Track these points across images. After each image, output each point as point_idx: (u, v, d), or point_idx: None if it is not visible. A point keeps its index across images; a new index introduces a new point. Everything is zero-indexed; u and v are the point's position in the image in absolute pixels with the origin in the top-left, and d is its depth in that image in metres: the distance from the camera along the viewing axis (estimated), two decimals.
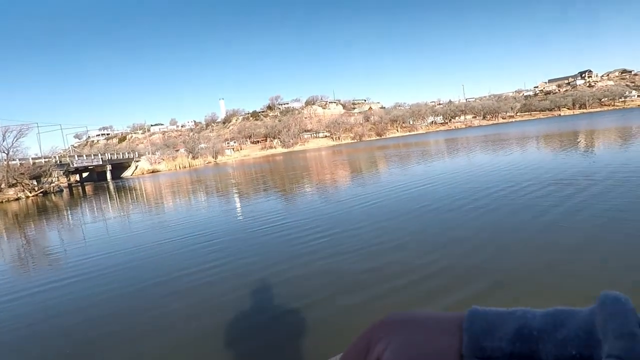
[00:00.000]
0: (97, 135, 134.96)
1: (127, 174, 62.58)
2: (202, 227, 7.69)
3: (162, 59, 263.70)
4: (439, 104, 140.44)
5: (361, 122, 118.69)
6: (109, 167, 56.39)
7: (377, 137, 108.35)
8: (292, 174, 19.74)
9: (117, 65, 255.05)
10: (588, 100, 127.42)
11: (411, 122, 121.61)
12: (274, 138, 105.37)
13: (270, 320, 3.27)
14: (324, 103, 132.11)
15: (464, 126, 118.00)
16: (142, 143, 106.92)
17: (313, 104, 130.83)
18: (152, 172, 62.04)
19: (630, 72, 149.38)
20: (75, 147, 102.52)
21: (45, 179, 36.40)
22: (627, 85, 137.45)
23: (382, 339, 0.31)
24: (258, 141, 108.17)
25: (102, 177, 56.62)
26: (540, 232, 4.62)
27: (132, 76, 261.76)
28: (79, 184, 57.11)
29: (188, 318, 3.53)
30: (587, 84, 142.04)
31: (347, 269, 4.20)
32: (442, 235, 5.04)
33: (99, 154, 59.02)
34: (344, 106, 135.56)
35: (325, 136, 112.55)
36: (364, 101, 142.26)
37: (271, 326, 3.14)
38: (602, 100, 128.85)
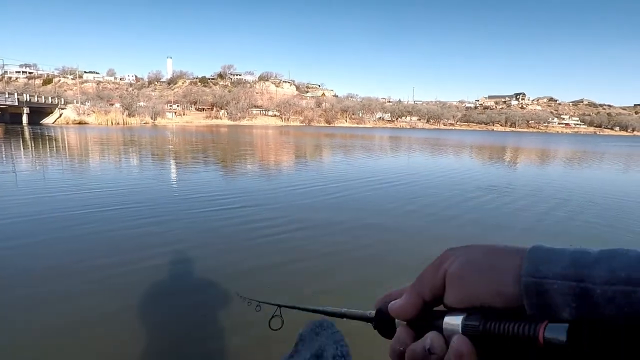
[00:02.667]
0: (17, 72, 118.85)
1: (48, 121, 56.21)
2: (133, 199, 6.56)
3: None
4: (389, 102, 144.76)
5: (312, 106, 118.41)
6: (26, 110, 50.04)
7: (326, 125, 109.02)
8: (237, 150, 19.08)
9: None
10: (518, 121, 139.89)
11: (360, 115, 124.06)
12: (221, 109, 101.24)
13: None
14: (278, 81, 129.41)
15: (408, 127, 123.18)
16: (71, 90, 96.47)
17: (267, 80, 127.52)
18: (79, 123, 56.33)
19: (556, 101, 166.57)
20: None
21: None
22: (551, 112, 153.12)
23: (453, 256, 0.36)
24: (204, 109, 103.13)
25: (16, 119, 50.16)
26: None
27: (66, 11, 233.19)
28: None
29: (111, 333, 2.60)
30: (520, 105, 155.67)
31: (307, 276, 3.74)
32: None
33: (15, 93, 51.99)
34: (297, 87, 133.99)
35: (275, 115, 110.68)
36: (318, 86, 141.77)
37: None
38: (530, 122, 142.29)
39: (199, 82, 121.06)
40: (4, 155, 13.79)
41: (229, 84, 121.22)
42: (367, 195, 7.44)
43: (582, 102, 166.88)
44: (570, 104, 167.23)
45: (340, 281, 3.56)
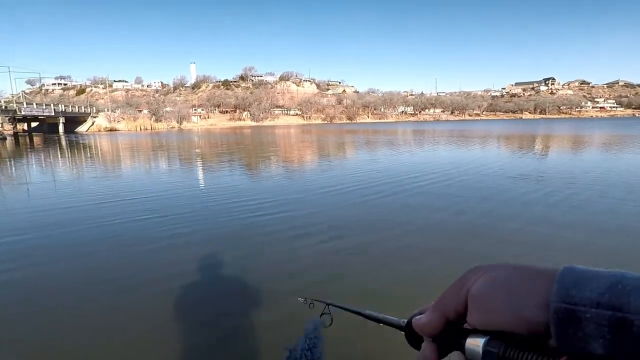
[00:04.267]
0: (52, 84, 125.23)
1: (81, 129, 58.90)
2: (166, 207, 6.41)
3: (131, 10, 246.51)
4: (411, 95, 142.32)
5: (333, 104, 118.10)
6: (62, 120, 52.72)
7: (348, 121, 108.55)
8: (263, 151, 19.35)
9: (79, 12, 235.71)
10: (548, 107, 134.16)
11: (382, 110, 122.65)
12: (244, 110, 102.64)
13: None
14: (299, 80, 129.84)
15: (432, 119, 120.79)
16: (102, 99, 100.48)
17: (287, 79, 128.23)
18: (110, 130, 58.77)
19: (589, 84, 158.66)
20: (27, 93, 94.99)
21: None
22: (584, 96, 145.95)
23: (475, 275, 0.34)
24: (227, 111, 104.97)
25: (53, 129, 52.96)
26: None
27: (98, 25, 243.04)
28: (26, 133, 53.08)
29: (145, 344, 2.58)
30: (550, 91, 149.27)
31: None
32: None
33: (52, 105, 54.83)
34: (318, 86, 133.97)
35: (297, 114, 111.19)
36: (338, 83, 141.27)
37: None
38: (561, 108, 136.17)
39: (222, 85, 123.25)
40: (43, 165, 14.57)
41: (251, 86, 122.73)
42: (403, 197, 7.12)
43: (618, 83, 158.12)
44: (605, 86, 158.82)
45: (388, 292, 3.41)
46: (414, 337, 0.39)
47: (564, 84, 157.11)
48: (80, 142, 30.38)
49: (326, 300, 0.52)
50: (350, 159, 14.00)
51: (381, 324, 0.44)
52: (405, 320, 0.41)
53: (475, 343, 0.32)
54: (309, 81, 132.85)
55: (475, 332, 0.33)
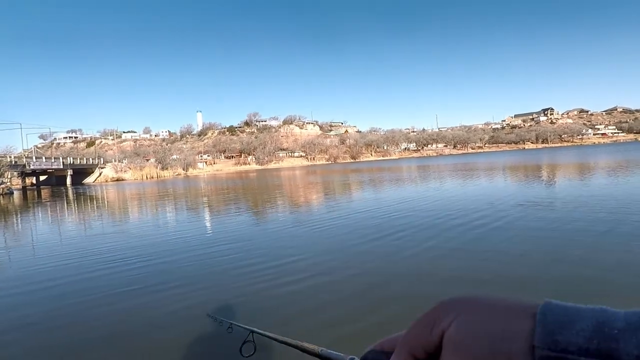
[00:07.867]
0: (64, 138, 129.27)
1: (89, 180, 59.68)
2: (177, 278, 5.24)
3: (140, 65, 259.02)
4: (413, 132, 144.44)
5: (337, 144, 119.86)
6: (69, 172, 53.60)
7: (352, 160, 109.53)
8: (267, 194, 19.09)
9: (90, 67, 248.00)
10: (550, 136, 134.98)
11: (385, 148, 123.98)
12: (249, 154, 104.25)
13: None
14: (302, 123, 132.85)
15: (435, 154, 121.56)
16: (111, 149, 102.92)
17: (291, 123, 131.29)
18: (117, 180, 59.49)
19: (587, 111, 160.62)
20: (39, 148, 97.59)
21: None
22: (584, 124, 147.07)
23: (449, 315, 0.31)
24: (232, 156, 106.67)
25: (61, 181, 53.73)
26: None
27: (107, 79, 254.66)
28: (34, 186, 53.79)
29: None
30: (549, 121, 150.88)
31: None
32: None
33: (60, 157, 56.03)
34: (321, 127, 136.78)
35: (301, 156, 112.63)
36: (341, 124, 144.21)
37: None
38: (563, 136, 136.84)
39: (227, 131, 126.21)
40: (48, 221, 14.35)
41: (255, 131, 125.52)
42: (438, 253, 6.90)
43: (616, 109, 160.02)
44: (604, 113, 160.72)
45: None
46: None
47: (563, 113, 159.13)
48: (88, 194, 30.49)
49: (249, 327, 0.43)
50: (366, 202, 13.53)
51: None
52: (355, 358, 0.36)
53: None
54: (312, 123, 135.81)
55: None
